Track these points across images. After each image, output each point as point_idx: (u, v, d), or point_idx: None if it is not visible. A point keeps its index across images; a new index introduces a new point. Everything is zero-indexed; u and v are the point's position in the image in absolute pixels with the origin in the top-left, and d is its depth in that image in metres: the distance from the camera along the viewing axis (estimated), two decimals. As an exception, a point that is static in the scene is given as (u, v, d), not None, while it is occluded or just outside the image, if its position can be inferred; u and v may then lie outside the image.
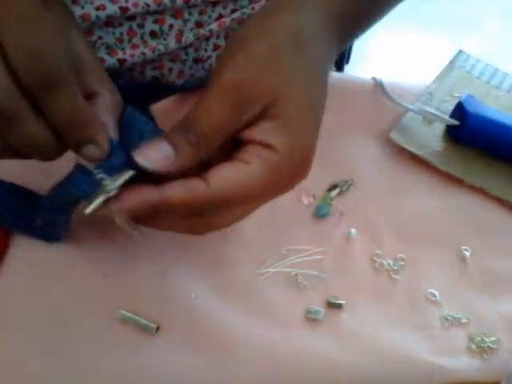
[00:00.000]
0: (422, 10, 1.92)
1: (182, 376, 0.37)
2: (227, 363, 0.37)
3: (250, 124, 0.30)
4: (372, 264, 0.43)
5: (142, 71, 0.50)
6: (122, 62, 0.48)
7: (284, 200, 0.44)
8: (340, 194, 0.46)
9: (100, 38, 0.47)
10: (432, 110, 0.50)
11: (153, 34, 0.48)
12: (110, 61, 0.47)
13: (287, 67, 0.30)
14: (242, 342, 0.38)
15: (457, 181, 0.48)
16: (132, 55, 0.48)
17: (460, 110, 0.49)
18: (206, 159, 0.30)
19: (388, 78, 0.53)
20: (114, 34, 0.47)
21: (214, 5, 0.49)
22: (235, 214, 0.31)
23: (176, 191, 0.28)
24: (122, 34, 0.47)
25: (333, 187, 0.46)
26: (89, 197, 0.28)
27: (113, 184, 0.28)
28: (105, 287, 0.39)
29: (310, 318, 0.39)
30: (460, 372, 0.38)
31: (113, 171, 0.28)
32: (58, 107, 0.27)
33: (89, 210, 0.28)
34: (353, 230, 0.44)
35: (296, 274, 0.41)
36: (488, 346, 0.39)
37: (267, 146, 0.29)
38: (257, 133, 0.29)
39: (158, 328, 0.38)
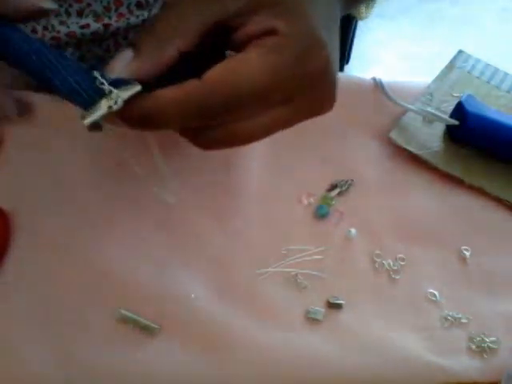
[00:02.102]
0: (422, 9, 1.92)
1: (181, 376, 0.37)
2: (227, 363, 0.37)
3: (241, 23, 0.26)
4: (372, 264, 0.43)
5: (125, 36, 0.51)
6: (106, 26, 0.49)
7: (284, 200, 0.45)
8: (340, 194, 0.46)
9: (88, 5, 0.47)
10: (432, 110, 0.50)
11: (139, 5, 0.49)
12: (95, 25, 0.49)
13: None
14: (241, 341, 0.38)
15: (457, 181, 0.48)
16: (117, 21, 0.49)
17: (460, 110, 0.49)
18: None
19: (388, 78, 0.53)
20: (101, 2, 0.48)
21: None
22: (250, 122, 0.27)
23: (167, 90, 0.25)
24: (109, 2, 0.48)
25: (333, 187, 0.46)
26: (89, 105, 0.25)
27: (118, 95, 0.25)
28: (105, 287, 0.39)
29: (310, 318, 0.40)
30: (460, 372, 0.38)
31: (119, 85, 0.25)
32: None
33: (90, 119, 0.25)
34: (353, 230, 0.44)
35: (296, 274, 0.41)
36: (488, 346, 0.39)
37: (263, 33, 0.26)
38: (252, 26, 0.26)
39: (158, 328, 0.38)
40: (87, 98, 0.25)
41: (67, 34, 0.47)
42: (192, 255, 0.41)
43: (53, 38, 0.48)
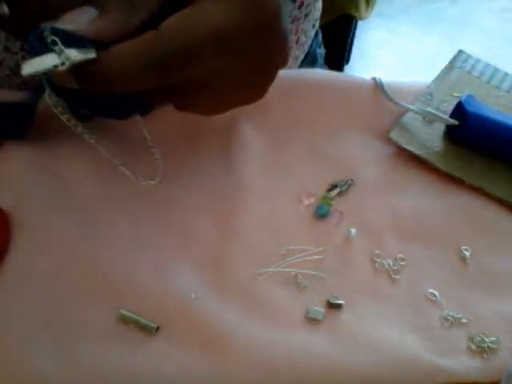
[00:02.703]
0: (422, 9, 1.92)
1: (181, 376, 0.37)
2: (227, 363, 0.37)
3: None
4: (372, 264, 0.43)
5: None
6: None
7: (284, 200, 0.45)
8: (340, 194, 0.46)
9: None
10: (432, 110, 0.50)
11: None
12: None
13: None
14: (241, 341, 0.38)
15: (457, 181, 0.48)
16: None
17: (460, 110, 0.49)
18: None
19: (388, 78, 0.53)
20: None
21: None
22: (214, 69, 0.26)
23: (124, 44, 0.24)
24: None
25: (333, 187, 0.46)
26: (34, 55, 0.24)
27: (68, 57, 0.23)
28: (105, 287, 0.39)
29: (310, 318, 0.40)
30: (460, 372, 0.38)
31: (71, 44, 0.24)
32: None
33: (28, 70, 0.23)
34: (353, 230, 0.44)
35: (296, 274, 0.41)
36: (488, 346, 0.39)
37: None
38: None
39: (157, 328, 0.38)
40: (36, 48, 0.24)
41: None
42: (192, 255, 0.41)
43: None
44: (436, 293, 0.42)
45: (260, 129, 0.49)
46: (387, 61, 1.79)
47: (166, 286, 0.40)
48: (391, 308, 0.41)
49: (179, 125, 0.47)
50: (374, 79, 0.53)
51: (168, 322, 0.38)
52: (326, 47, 0.78)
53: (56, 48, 0.23)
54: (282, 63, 0.29)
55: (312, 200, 0.45)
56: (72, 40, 0.24)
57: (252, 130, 0.49)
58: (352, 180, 0.47)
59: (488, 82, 0.55)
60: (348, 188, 0.46)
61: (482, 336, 0.40)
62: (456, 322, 0.41)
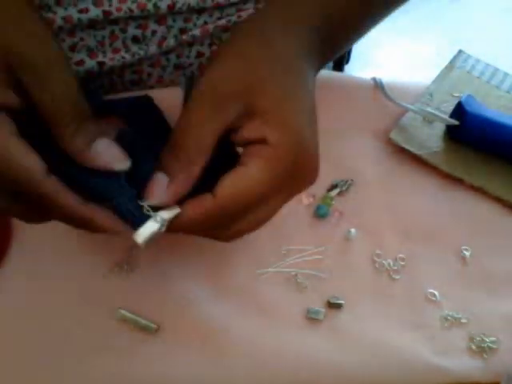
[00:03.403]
0: (422, 9, 1.92)
1: (181, 376, 0.37)
2: (227, 363, 0.37)
3: (237, 129, 0.30)
4: (372, 264, 0.43)
5: (120, 74, 0.50)
6: (101, 65, 0.47)
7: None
8: (340, 194, 0.46)
9: (82, 39, 0.46)
10: (432, 110, 0.50)
11: (135, 39, 0.48)
12: (90, 63, 0.47)
13: (258, 68, 0.30)
14: (241, 341, 0.38)
15: (457, 181, 0.48)
16: (112, 59, 0.47)
17: (460, 110, 0.49)
18: (210, 171, 0.30)
19: (388, 78, 0.53)
20: (95, 36, 0.47)
21: (200, 12, 0.48)
22: (257, 217, 0.32)
23: (188, 208, 0.30)
24: (103, 37, 0.47)
25: (333, 187, 0.46)
26: (138, 227, 0.29)
27: (164, 219, 0.29)
28: (105, 287, 0.39)
29: (310, 318, 0.40)
30: (460, 372, 0.38)
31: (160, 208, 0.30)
32: (58, 217, 0.29)
33: (142, 238, 0.29)
34: (353, 230, 0.44)
35: (296, 274, 0.41)
36: (488, 346, 0.39)
37: (257, 141, 0.30)
38: (247, 132, 0.30)
39: (157, 328, 0.38)
40: (137, 221, 0.29)
41: (64, 18, 0.44)
42: (192, 255, 0.41)
43: None
44: (436, 293, 0.42)
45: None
46: (387, 61, 1.79)
47: (166, 286, 0.40)
48: (391, 308, 0.41)
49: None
50: (373, 79, 0.53)
51: (168, 321, 0.38)
52: (326, 47, 0.77)
53: (156, 216, 0.29)
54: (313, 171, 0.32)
55: (312, 200, 0.45)
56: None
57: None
58: (352, 180, 0.47)
59: (488, 82, 0.55)
60: (348, 188, 0.46)
61: (482, 336, 0.40)
62: (456, 322, 0.41)
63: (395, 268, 0.43)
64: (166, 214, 0.29)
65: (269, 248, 0.42)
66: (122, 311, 0.38)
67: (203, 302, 0.39)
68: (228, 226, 0.31)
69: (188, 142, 0.29)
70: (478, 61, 0.57)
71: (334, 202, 0.45)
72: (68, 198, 0.28)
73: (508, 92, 0.55)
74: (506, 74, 0.56)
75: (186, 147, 0.29)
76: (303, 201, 0.45)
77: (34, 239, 0.40)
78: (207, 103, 0.29)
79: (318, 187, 0.46)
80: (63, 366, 0.36)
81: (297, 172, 0.31)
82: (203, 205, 0.29)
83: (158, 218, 0.29)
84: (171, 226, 0.30)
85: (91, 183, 0.29)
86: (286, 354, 0.38)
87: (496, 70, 0.56)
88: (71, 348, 0.37)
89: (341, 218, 0.45)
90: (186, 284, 0.40)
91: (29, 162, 0.27)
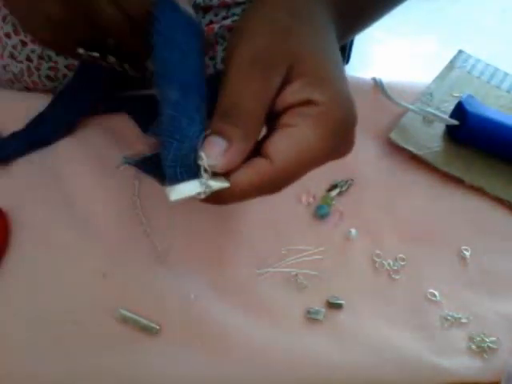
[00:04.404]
0: (422, 9, 1.92)
1: (181, 376, 0.37)
2: (227, 363, 0.37)
3: (279, 92, 0.30)
4: (372, 264, 0.43)
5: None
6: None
7: (284, 200, 0.45)
8: (340, 194, 0.46)
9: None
10: (432, 110, 0.50)
11: None
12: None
13: (293, 34, 0.30)
14: (241, 341, 0.38)
15: (457, 181, 0.48)
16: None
17: (460, 110, 0.49)
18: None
19: (388, 78, 0.53)
20: None
21: (206, 11, 0.48)
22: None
23: (242, 176, 0.28)
24: None
25: (333, 187, 0.46)
26: (177, 182, 0.27)
27: (210, 186, 0.27)
28: (105, 287, 0.39)
29: (310, 318, 0.39)
30: (460, 372, 0.38)
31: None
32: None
33: (176, 197, 0.26)
34: (353, 230, 0.44)
35: (296, 274, 0.41)
36: (488, 346, 0.39)
37: (305, 103, 0.29)
38: (290, 96, 0.29)
39: (158, 328, 0.38)
40: (179, 175, 0.26)
41: None
42: (192, 255, 0.41)
43: None
44: (436, 293, 0.42)
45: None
46: (387, 61, 1.79)
47: (166, 286, 0.40)
48: (391, 308, 0.41)
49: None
50: (374, 79, 0.53)
51: (168, 322, 0.38)
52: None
53: (203, 178, 0.26)
54: (349, 152, 0.33)
55: (312, 200, 0.45)
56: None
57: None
58: (352, 180, 0.47)
59: (488, 82, 0.55)
60: (348, 188, 0.46)
61: (482, 336, 0.40)
62: (456, 322, 0.41)
63: (395, 268, 0.43)
64: (213, 183, 0.27)
65: (269, 248, 0.42)
66: (122, 311, 0.38)
67: (203, 301, 0.39)
68: (282, 188, 0.30)
69: (244, 117, 0.28)
70: (478, 61, 0.57)
71: (334, 202, 0.45)
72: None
73: (508, 92, 0.55)
74: (505, 74, 0.56)
75: (247, 118, 0.28)
76: (303, 201, 0.45)
77: (33, 239, 0.40)
78: (257, 73, 0.29)
79: (318, 187, 0.46)
80: (63, 366, 0.36)
81: (346, 127, 0.30)
82: (261, 170, 0.28)
83: (204, 183, 0.26)
84: (224, 196, 0.28)
85: (167, 114, 0.26)
86: (285, 354, 0.38)
87: (496, 69, 0.57)
88: (71, 348, 0.37)
89: (341, 218, 0.45)
90: (187, 284, 0.40)
91: None
